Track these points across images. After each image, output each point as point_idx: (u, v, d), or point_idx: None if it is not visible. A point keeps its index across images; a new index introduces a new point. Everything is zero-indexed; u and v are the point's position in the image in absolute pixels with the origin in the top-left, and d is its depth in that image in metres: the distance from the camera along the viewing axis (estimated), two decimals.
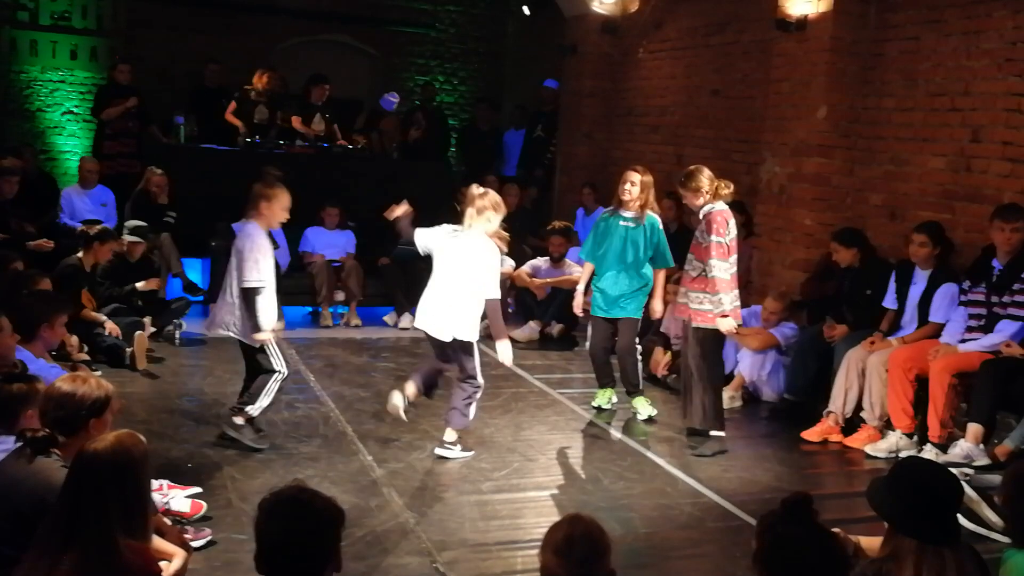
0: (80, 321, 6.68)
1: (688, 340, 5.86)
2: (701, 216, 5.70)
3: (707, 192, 5.65)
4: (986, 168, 6.42)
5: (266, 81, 10.14)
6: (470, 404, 5.48)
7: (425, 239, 5.46)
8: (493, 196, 5.46)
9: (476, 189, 5.51)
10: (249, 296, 5.23)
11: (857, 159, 7.41)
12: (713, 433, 5.84)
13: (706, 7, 9.29)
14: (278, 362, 5.39)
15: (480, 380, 5.51)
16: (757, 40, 8.43)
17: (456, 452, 5.47)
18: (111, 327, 6.90)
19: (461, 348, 5.41)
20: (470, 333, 5.38)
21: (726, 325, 5.63)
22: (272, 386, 5.39)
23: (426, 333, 5.51)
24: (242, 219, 5.50)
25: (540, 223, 9.85)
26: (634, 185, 6.26)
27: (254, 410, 5.37)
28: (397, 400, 5.44)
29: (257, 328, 5.25)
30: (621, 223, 6.34)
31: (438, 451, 5.46)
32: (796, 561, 2.55)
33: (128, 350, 6.83)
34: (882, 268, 6.65)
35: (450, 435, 5.50)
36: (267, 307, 5.30)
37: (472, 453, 5.52)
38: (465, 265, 5.33)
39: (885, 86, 7.17)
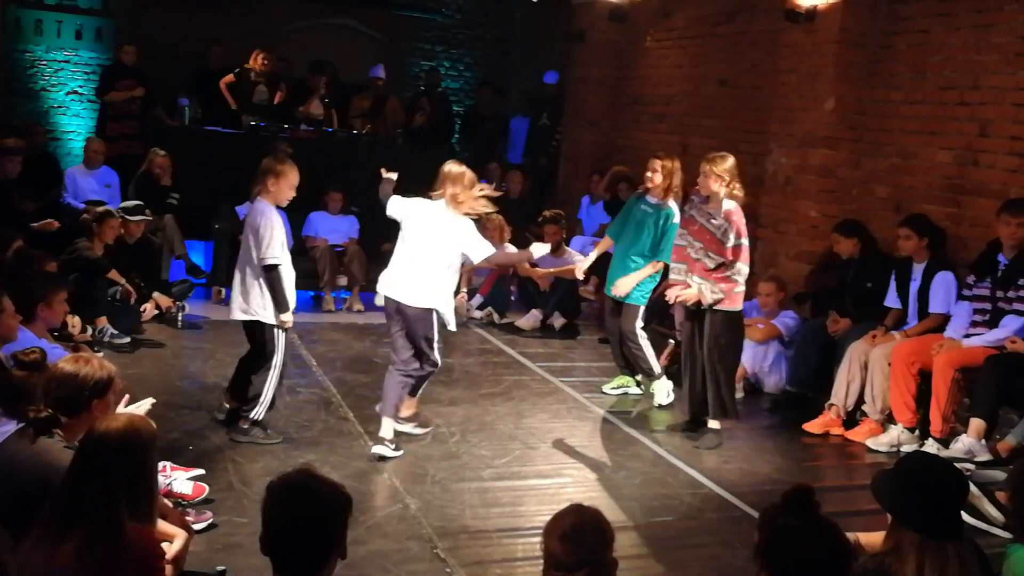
0: (99, 287, 6.91)
1: (698, 328, 5.77)
2: (722, 212, 5.56)
3: (727, 183, 5.57)
4: (993, 163, 6.39)
5: (262, 61, 10.16)
6: (422, 382, 5.37)
7: (397, 206, 5.39)
8: (465, 175, 5.30)
9: (448, 166, 5.38)
10: (270, 274, 5.10)
11: (864, 151, 7.38)
12: (712, 424, 5.82)
13: None
14: (279, 350, 5.21)
15: (438, 359, 5.34)
16: (765, 30, 8.38)
17: (390, 450, 5.13)
18: (127, 288, 7.13)
19: (422, 320, 5.19)
20: (434, 302, 5.19)
21: (683, 293, 5.64)
22: (272, 378, 5.20)
23: (386, 311, 5.33)
24: (247, 200, 5.46)
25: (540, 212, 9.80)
26: (655, 172, 6.28)
27: (260, 412, 5.20)
28: (380, 450, 5.13)
29: (282, 307, 5.12)
30: (642, 207, 6.38)
31: (376, 449, 5.11)
32: (798, 553, 2.55)
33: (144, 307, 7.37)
34: (882, 260, 6.65)
35: (387, 430, 5.17)
36: (289, 285, 5.19)
37: (401, 452, 5.18)
38: (430, 235, 5.22)
39: (893, 79, 7.14)
